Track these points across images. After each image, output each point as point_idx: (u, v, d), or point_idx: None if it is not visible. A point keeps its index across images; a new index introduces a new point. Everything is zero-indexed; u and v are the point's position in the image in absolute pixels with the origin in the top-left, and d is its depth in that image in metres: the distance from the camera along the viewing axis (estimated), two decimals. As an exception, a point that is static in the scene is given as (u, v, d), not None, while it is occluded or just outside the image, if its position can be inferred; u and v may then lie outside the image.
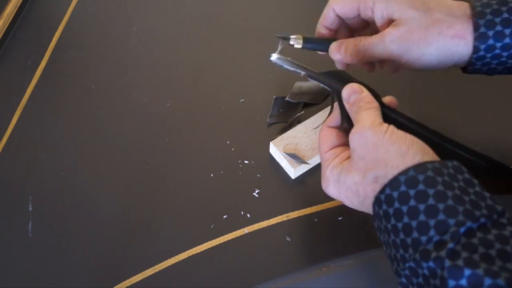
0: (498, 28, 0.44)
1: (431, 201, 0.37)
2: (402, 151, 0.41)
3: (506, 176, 0.46)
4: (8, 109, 0.62)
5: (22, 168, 0.58)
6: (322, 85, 0.49)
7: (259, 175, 0.57)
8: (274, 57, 0.51)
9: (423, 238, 0.36)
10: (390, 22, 0.47)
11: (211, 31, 0.70)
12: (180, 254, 0.51)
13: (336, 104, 0.48)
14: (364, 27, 0.52)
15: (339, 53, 0.50)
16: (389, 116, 0.46)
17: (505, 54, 0.45)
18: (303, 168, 0.56)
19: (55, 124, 0.61)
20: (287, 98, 0.62)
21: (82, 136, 0.60)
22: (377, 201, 0.40)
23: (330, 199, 0.54)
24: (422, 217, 0.37)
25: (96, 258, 0.52)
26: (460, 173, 0.39)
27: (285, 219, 0.54)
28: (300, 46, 0.51)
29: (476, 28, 0.45)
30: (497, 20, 0.44)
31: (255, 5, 0.73)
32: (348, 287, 0.52)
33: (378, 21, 0.48)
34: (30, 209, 0.55)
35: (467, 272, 0.34)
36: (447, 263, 0.34)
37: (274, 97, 0.62)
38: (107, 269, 0.51)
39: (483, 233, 0.35)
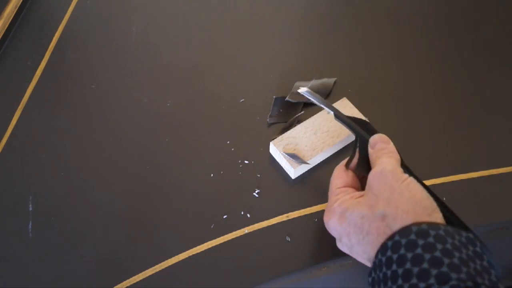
0: None
1: (437, 253, 0.38)
2: (415, 200, 0.42)
3: None
4: (8, 109, 0.62)
5: (22, 168, 0.58)
6: (346, 127, 0.51)
7: (259, 175, 0.57)
8: (303, 90, 0.54)
9: (422, 285, 0.36)
10: None
11: (211, 31, 0.70)
12: (180, 254, 0.51)
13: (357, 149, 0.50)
14: None
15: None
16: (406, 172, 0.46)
17: None
18: (303, 168, 0.56)
19: (55, 124, 0.61)
20: (287, 98, 0.62)
21: (82, 136, 0.60)
22: (382, 248, 0.41)
23: (330, 199, 0.55)
24: (425, 265, 0.37)
25: (96, 258, 0.52)
26: (472, 245, 0.39)
27: (285, 219, 0.54)
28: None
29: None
30: None
31: (256, 6, 0.73)
32: (348, 287, 0.52)
33: None
34: (30, 209, 0.55)
35: None
36: None
37: (274, 97, 0.62)
38: (107, 269, 0.51)
39: None
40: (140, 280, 0.50)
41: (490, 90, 0.63)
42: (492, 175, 0.56)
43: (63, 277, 0.51)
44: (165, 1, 0.74)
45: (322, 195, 0.55)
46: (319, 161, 0.57)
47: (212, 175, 0.57)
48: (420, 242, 0.39)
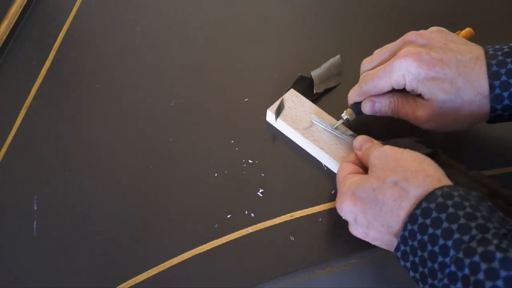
0: None
1: (468, 209, 0.40)
2: (419, 160, 0.45)
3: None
4: (13, 108, 0.62)
5: (27, 167, 0.58)
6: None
7: (263, 175, 0.57)
8: (313, 118, 0.57)
9: (465, 237, 0.38)
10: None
11: (215, 31, 0.70)
12: (184, 254, 0.51)
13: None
14: None
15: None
16: None
17: None
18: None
19: (60, 123, 0.61)
20: (314, 92, 0.62)
21: (87, 136, 0.60)
22: (411, 218, 0.41)
23: (334, 198, 0.54)
24: (462, 221, 0.39)
25: (100, 258, 0.52)
26: (483, 201, 0.41)
27: (289, 218, 0.54)
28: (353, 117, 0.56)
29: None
30: None
31: (260, 5, 0.73)
32: (352, 286, 0.52)
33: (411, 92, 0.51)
34: (35, 208, 0.55)
35: None
36: (498, 255, 0.36)
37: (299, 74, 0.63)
38: (111, 269, 0.51)
39: None
40: (144, 280, 0.50)
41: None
42: None
43: (67, 276, 0.51)
44: (169, 1, 0.74)
45: (326, 195, 0.55)
46: (306, 148, 0.58)
47: (216, 174, 0.57)
48: (449, 202, 0.40)
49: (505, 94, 0.47)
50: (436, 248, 0.39)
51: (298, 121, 0.58)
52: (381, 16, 0.72)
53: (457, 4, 0.73)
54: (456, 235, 0.38)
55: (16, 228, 0.54)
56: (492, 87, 0.47)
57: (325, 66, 0.65)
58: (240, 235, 0.53)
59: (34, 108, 0.63)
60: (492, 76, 0.47)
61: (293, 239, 0.52)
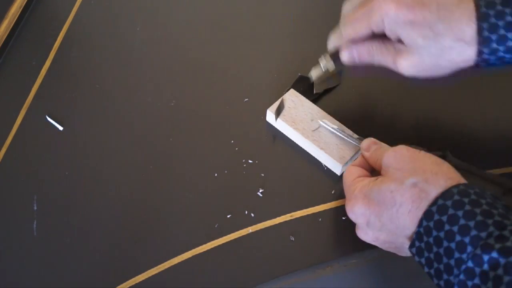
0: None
1: (485, 207, 0.40)
2: (438, 162, 0.44)
3: None
4: (13, 108, 0.62)
5: (27, 167, 0.58)
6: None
7: (263, 175, 0.57)
8: (320, 123, 0.57)
9: (483, 234, 0.38)
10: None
11: (215, 31, 0.70)
12: (184, 254, 0.51)
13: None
14: None
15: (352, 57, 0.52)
16: None
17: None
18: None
19: (59, 123, 0.61)
20: (314, 92, 0.62)
21: (86, 136, 0.60)
22: (426, 215, 0.41)
23: (334, 198, 0.54)
24: (479, 218, 0.39)
25: (100, 258, 0.52)
26: (496, 199, 0.41)
27: (289, 218, 0.54)
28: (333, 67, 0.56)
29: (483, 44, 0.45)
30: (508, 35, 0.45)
31: (260, 5, 0.73)
32: (352, 286, 0.52)
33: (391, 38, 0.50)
34: (35, 208, 0.55)
35: None
36: None
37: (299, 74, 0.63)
38: (111, 269, 0.51)
39: None
40: (144, 280, 0.50)
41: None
42: None
43: (67, 276, 0.51)
44: (169, 1, 0.74)
45: (326, 195, 0.55)
46: (305, 148, 0.58)
47: (216, 174, 0.57)
48: (465, 200, 0.40)
49: (494, 37, 0.44)
50: (453, 245, 0.39)
51: (298, 121, 0.58)
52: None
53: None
54: (474, 232, 0.38)
55: (16, 228, 0.54)
56: (480, 30, 0.44)
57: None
58: (240, 235, 0.53)
59: (34, 108, 0.63)
60: (481, 18, 0.44)
61: (293, 239, 0.52)
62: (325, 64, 0.56)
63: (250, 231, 0.53)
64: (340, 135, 0.56)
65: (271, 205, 0.54)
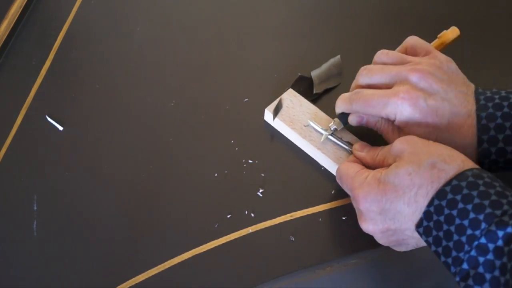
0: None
1: (498, 188, 0.41)
2: (449, 147, 0.45)
3: None
4: (13, 108, 0.62)
5: (27, 167, 0.58)
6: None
7: (263, 175, 0.57)
8: (310, 122, 0.57)
9: (498, 212, 0.39)
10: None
11: (215, 31, 0.70)
12: (184, 254, 0.51)
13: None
14: None
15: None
16: None
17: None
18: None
19: (59, 123, 0.61)
20: (314, 92, 0.62)
21: (86, 136, 0.60)
22: (439, 194, 0.42)
23: (334, 198, 0.54)
24: (494, 197, 0.40)
25: (100, 258, 0.52)
26: (509, 187, 0.42)
27: (289, 218, 0.54)
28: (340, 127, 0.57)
29: None
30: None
31: (260, 5, 0.73)
32: (352, 286, 0.52)
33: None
34: (35, 208, 0.55)
35: None
36: None
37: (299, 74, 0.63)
38: (111, 269, 0.51)
39: None
40: (144, 280, 0.50)
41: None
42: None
43: (67, 276, 0.51)
44: (169, 1, 0.74)
45: (326, 195, 0.55)
46: (303, 148, 0.58)
47: (216, 174, 0.57)
48: (480, 182, 0.41)
49: (493, 149, 0.48)
50: (466, 222, 0.40)
51: (296, 121, 0.58)
52: (381, 17, 0.72)
53: (459, 5, 0.73)
54: (488, 210, 0.39)
55: (16, 228, 0.54)
56: (480, 141, 0.48)
57: (325, 66, 0.65)
58: (240, 235, 0.53)
59: (34, 108, 0.63)
60: (482, 130, 0.48)
61: (293, 239, 0.52)
62: (335, 127, 0.56)
63: (250, 231, 0.53)
64: (330, 137, 0.56)
65: (271, 205, 0.54)
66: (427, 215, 0.42)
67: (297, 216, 0.54)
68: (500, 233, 0.38)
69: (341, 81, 0.64)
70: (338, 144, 0.56)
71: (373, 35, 0.70)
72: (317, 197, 0.55)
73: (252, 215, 0.54)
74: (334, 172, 0.56)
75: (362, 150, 0.52)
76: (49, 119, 0.61)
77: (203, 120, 0.61)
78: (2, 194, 0.56)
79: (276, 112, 0.59)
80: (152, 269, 0.51)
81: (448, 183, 0.42)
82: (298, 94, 0.60)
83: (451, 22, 0.63)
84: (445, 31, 0.58)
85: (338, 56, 0.65)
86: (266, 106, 0.60)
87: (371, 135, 0.56)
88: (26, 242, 0.53)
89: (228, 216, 0.54)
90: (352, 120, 0.55)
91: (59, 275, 0.51)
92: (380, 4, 0.73)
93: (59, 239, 0.53)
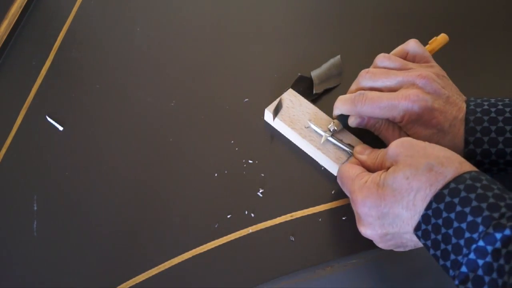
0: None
1: (496, 191, 0.41)
2: (445, 149, 0.45)
3: None
4: (13, 108, 0.62)
5: (27, 167, 0.58)
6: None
7: (263, 175, 0.57)
8: (310, 124, 0.57)
9: (495, 214, 0.39)
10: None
11: (215, 31, 0.70)
12: (184, 254, 0.51)
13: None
14: None
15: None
16: None
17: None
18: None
19: (59, 123, 0.61)
20: (314, 92, 0.62)
21: (86, 136, 0.60)
22: (437, 197, 0.42)
23: (334, 198, 0.55)
24: (491, 200, 0.40)
25: (100, 258, 0.52)
26: (508, 190, 0.42)
27: (289, 218, 0.54)
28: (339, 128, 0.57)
29: None
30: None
31: (260, 5, 0.73)
32: (352, 286, 0.52)
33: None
34: (35, 208, 0.55)
35: None
36: None
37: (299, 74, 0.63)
38: (111, 269, 0.51)
39: None
40: (144, 280, 0.50)
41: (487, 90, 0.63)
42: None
43: (67, 276, 0.51)
44: (169, 1, 0.74)
45: (326, 195, 0.55)
46: (304, 149, 0.58)
47: (216, 174, 0.57)
48: (478, 184, 0.41)
49: (478, 150, 0.49)
50: (464, 225, 0.40)
51: (296, 121, 0.58)
52: (381, 18, 0.72)
53: (462, 6, 0.73)
54: (486, 213, 0.39)
55: (16, 228, 0.54)
56: (466, 143, 0.50)
57: (325, 66, 0.65)
58: (240, 235, 0.53)
59: (34, 108, 0.63)
60: (469, 132, 0.49)
61: (293, 239, 0.52)
62: (334, 128, 0.56)
63: (250, 231, 0.53)
64: (331, 139, 0.56)
65: (271, 205, 0.54)
66: (425, 218, 0.42)
67: (297, 216, 0.54)
68: (498, 236, 0.38)
69: (341, 81, 0.64)
70: (339, 146, 0.56)
71: (373, 35, 0.70)
72: (317, 197, 0.55)
73: (252, 215, 0.54)
74: (334, 172, 0.56)
75: (363, 152, 0.52)
76: (49, 119, 0.61)
77: (203, 120, 0.61)
78: (2, 194, 0.56)
79: (276, 112, 0.59)
80: (152, 269, 0.51)
81: (446, 186, 0.42)
82: (298, 94, 0.60)
83: (450, 23, 0.64)
84: (435, 37, 0.60)
85: (338, 56, 0.66)
86: (266, 106, 0.60)
87: (371, 136, 0.57)
88: (26, 242, 0.53)
89: (228, 216, 0.54)
90: (353, 122, 0.55)
91: (59, 275, 0.51)
92: (381, 5, 0.73)
93: (59, 239, 0.53)
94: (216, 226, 0.53)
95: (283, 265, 0.51)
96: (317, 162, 0.57)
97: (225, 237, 0.52)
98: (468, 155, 0.50)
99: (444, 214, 0.41)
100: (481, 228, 0.39)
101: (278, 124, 0.59)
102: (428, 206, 0.42)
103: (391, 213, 0.44)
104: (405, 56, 0.57)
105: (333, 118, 0.57)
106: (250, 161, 0.58)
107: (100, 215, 0.54)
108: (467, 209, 0.40)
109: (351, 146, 0.55)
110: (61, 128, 0.61)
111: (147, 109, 0.63)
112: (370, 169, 0.50)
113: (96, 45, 0.69)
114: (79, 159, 0.59)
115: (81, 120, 0.62)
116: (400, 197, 0.43)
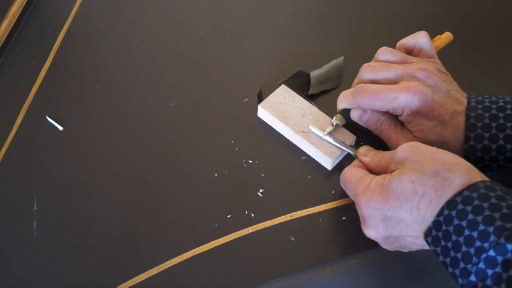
0: None
1: (510, 202, 0.40)
2: (454, 155, 0.45)
3: None
4: (13, 108, 0.62)
5: (27, 167, 0.58)
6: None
7: (263, 175, 0.57)
8: (311, 128, 0.57)
9: (508, 225, 0.38)
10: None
11: (215, 31, 0.70)
12: (184, 254, 0.51)
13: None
14: None
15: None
16: None
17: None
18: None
19: (59, 123, 0.61)
20: (310, 93, 0.62)
21: (86, 136, 0.60)
22: (449, 204, 0.41)
23: (334, 198, 0.55)
24: (505, 210, 0.39)
25: (100, 258, 0.52)
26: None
27: (289, 218, 0.54)
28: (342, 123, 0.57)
29: None
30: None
31: (261, 5, 0.73)
32: (353, 286, 0.52)
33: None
34: (35, 208, 0.55)
35: None
36: None
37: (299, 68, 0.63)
38: (111, 269, 0.51)
39: None
40: (144, 280, 0.50)
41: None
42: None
43: (67, 276, 0.51)
44: (169, 1, 0.74)
45: (326, 195, 0.55)
46: (294, 142, 0.59)
47: (216, 174, 0.57)
48: (492, 194, 0.40)
49: (478, 146, 0.50)
50: (475, 233, 0.39)
51: (289, 117, 0.58)
52: (385, 21, 0.71)
53: (466, 7, 0.73)
54: (498, 223, 0.39)
55: (16, 228, 0.54)
56: (467, 139, 0.50)
57: (325, 67, 0.64)
58: (240, 235, 0.53)
59: (34, 108, 0.63)
60: (469, 128, 0.50)
61: (293, 239, 0.52)
62: (337, 123, 0.56)
63: (250, 231, 0.53)
64: (334, 143, 0.56)
65: (271, 205, 0.54)
66: (436, 224, 0.42)
67: (297, 216, 0.54)
68: (510, 247, 0.37)
69: (340, 83, 0.63)
70: (342, 149, 0.55)
71: (376, 39, 0.69)
72: (317, 197, 0.55)
73: (252, 215, 0.54)
74: (328, 167, 0.56)
75: (366, 154, 0.51)
76: (49, 119, 0.61)
77: (203, 120, 0.61)
78: (2, 194, 0.56)
79: (260, 99, 0.60)
80: (152, 269, 0.51)
81: (459, 193, 0.41)
82: (291, 90, 0.61)
83: (455, 24, 0.64)
84: (439, 35, 0.61)
85: (341, 58, 0.65)
86: (266, 106, 0.60)
87: (371, 137, 0.57)
88: (26, 242, 0.53)
89: (228, 216, 0.54)
90: (354, 114, 0.55)
91: (59, 275, 0.51)
92: (385, 9, 0.73)
93: (59, 239, 0.53)
94: (216, 226, 0.53)
95: (283, 265, 0.50)
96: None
97: (225, 237, 0.52)
98: (468, 151, 0.50)
99: (456, 222, 0.41)
100: (492, 237, 0.38)
101: (271, 120, 0.59)
102: (440, 213, 0.42)
103: (394, 216, 0.44)
104: (412, 48, 0.57)
105: (336, 113, 0.57)
106: (250, 161, 0.58)
107: (100, 215, 0.54)
108: (479, 218, 0.39)
109: (354, 148, 0.55)
110: (61, 128, 0.61)
111: (147, 109, 0.63)
112: (373, 172, 0.50)
113: (96, 45, 0.69)
114: (79, 159, 0.59)
115: (81, 120, 0.62)
116: (404, 201, 0.43)
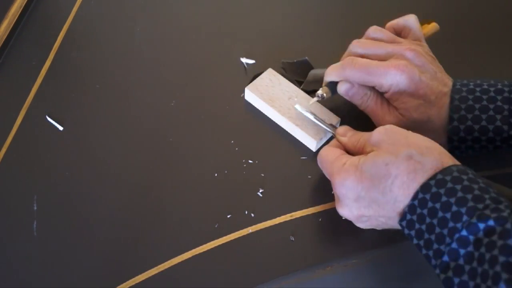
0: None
1: (482, 184, 0.41)
2: (428, 139, 0.46)
3: None
4: (13, 108, 0.62)
5: (27, 167, 0.58)
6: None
7: (263, 175, 0.57)
8: (296, 106, 0.58)
9: (480, 205, 0.39)
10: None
11: (216, 30, 0.70)
12: (184, 254, 0.51)
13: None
14: None
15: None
16: None
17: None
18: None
19: (59, 123, 0.61)
20: (301, 87, 0.62)
21: (86, 136, 0.60)
22: (423, 188, 0.42)
23: (334, 199, 0.54)
24: (477, 192, 0.41)
25: (100, 258, 0.52)
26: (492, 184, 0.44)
27: (289, 218, 0.54)
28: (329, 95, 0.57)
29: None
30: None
31: (261, 5, 0.73)
32: (353, 286, 0.52)
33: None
34: (35, 208, 0.55)
35: None
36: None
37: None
38: (111, 269, 0.51)
39: None
40: (144, 280, 0.50)
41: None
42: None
43: (67, 276, 0.51)
44: (169, 1, 0.74)
45: (326, 195, 0.55)
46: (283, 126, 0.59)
47: (216, 174, 0.57)
48: (464, 177, 0.42)
49: (462, 127, 0.51)
50: (448, 215, 0.40)
51: (275, 99, 0.59)
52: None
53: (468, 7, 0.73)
54: (471, 203, 0.40)
55: (16, 228, 0.54)
56: (451, 119, 0.51)
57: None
58: (240, 235, 0.53)
59: (34, 108, 0.63)
60: (453, 109, 0.50)
61: (293, 239, 0.52)
62: (323, 94, 0.56)
63: (250, 231, 0.53)
64: (314, 120, 0.56)
65: (271, 205, 0.54)
66: (411, 208, 0.43)
67: (297, 216, 0.54)
68: (481, 226, 0.39)
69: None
70: (321, 127, 0.56)
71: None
72: (317, 197, 0.55)
73: (252, 215, 0.54)
74: (312, 148, 0.57)
75: (345, 134, 0.52)
76: (49, 119, 0.61)
77: (203, 120, 0.61)
78: (2, 194, 0.56)
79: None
80: (152, 269, 0.51)
81: (433, 177, 0.42)
82: (278, 74, 0.62)
83: (455, 24, 0.64)
84: (426, 24, 0.62)
85: None
86: (266, 106, 0.60)
87: (354, 118, 0.57)
88: (26, 242, 0.53)
89: (228, 216, 0.54)
90: (341, 87, 0.55)
91: (59, 275, 0.51)
92: (387, 13, 0.73)
93: (59, 239, 0.53)
94: (216, 226, 0.53)
95: (283, 265, 0.51)
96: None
97: (225, 237, 0.52)
98: (452, 131, 0.51)
99: (430, 204, 0.42)
100: (465, 217, 0.40)
101: (258, 103, 0.60)
102: (415, 197, 0.43)
103: (367, 197, 0.45)
104: (401, 29, 0.58)
105: (323, 85, 0.57)
106: (250, 161, 0.58)
107: (100, 215, 0.54)
108: (453, 200, 0.41)
109: (333, 127, 0.55)
110: (61, 128, 0.61)
111: (147, 109, 0.63)
112: (351, 152, 0.51)
113: (96, 45, 0.69)
114: (79, 159, 0.59)
115: (81, 120, 0.62)
116: (377, 182, 0.44)
